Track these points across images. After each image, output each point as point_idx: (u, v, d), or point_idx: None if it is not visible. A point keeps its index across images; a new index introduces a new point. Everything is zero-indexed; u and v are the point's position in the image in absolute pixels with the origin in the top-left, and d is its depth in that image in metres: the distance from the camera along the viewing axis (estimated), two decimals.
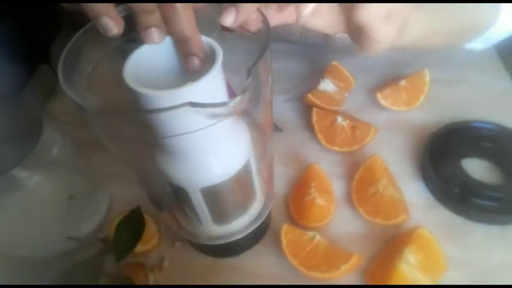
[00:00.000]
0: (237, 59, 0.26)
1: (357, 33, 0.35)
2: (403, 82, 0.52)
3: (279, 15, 0.34)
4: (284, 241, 0.39)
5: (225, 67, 0.26)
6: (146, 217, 0.40)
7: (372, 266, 0.39)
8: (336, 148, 0.49)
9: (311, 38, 0.59)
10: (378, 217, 0.41)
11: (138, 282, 0.38)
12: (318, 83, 0.54)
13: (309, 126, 0.52)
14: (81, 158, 0.45)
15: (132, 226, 0.38)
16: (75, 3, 0.55)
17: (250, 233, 0.37)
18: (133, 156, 0.33)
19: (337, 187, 0.46)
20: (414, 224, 0.40)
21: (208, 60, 0.25)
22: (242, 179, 0.33)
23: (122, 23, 0.26)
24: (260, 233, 0.42)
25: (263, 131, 0.34)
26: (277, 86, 0.56)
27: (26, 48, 0.57)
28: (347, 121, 0.49)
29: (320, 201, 0.42)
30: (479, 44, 0.50)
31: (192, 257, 0.42)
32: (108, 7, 0.25)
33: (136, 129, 0.26)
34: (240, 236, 0.37)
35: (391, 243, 0.40)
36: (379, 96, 0.52)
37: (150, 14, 0.25)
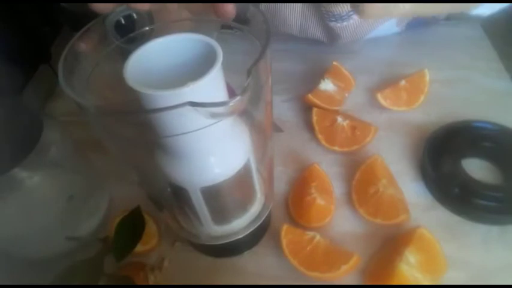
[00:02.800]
0: (237, 59, 0.26)
1: None
2: (403, 82, 0.52)
3: None
4: (284, 241, 0.39)
5: (225, 67, 0.26)
6: (146, 217, 0.40)
7: (371, 266, 0.39)
8: (336, 148, 0.49)
9: (310, 31, 0.59)
10: (378, 217, 0.41)
11: (138, 282, 0.38)
12: (318, 83, 0.54)
13: (309, 127, 0.52)
14: (81, 158, 0.45)
15: (132, 226, 0.38)
16: (75, 3, 0.55)
17: (250, 233, 0.37)
18: (134, 156, 0.33)
19: (337, 187, 0.46)
20: (414, 224, 0.40)
21: (208, 60, 0.25)
22: (242, 179, 0.33)
23: None
24: (260, 233, 0.42)
25: (263, 131, 0.34)
26: (277, 86, 0.56)
27: (26, 48, 0.57)
28: (347, 121, 0.49)
29: (320, 201, 0.42)
30: (486, 9, 0.49)
31: (192, 257, 0.42)
32: None
33: (136, 129, 0.26)
34: (240, 236, 0.37)
35: (391, 243, 0.40)
36: (379, 96, 0.52)
37: None
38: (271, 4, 0.56)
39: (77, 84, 0.26)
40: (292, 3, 0.56)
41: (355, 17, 0.53)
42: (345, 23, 0.54)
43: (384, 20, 0.57)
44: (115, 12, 0.30)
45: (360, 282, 0.38)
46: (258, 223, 0.37)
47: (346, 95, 0.55)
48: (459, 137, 0.46)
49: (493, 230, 0.40)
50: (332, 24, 0.54)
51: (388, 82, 0.54)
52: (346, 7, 0.51)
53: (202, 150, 0.29)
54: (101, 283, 0.36)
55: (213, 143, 0.29)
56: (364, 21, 0.55)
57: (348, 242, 0.41)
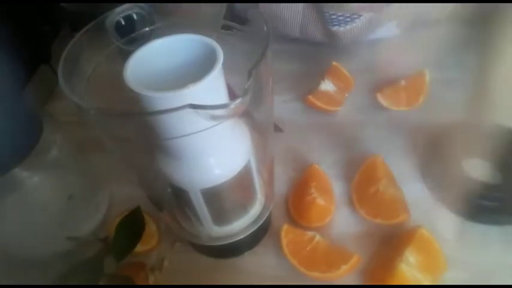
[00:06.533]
0: (238, 60, 0.26)
1: None
2: (403, 82, 0.52)
3: None
4: (284, 241, 0.39)
5: (226, 68, 0.26)
6: (146, 217, 0.40)
7: (372, 266, 0.39)
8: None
9: (310, 33, 0.59)
10: (378, 217, 0.41)
11: (138, 282, 0.38)
12: (318, 83, 0.54)
13: (309, 127, 0.52)
14: (81, 158, 0.45)
15: (132, 226, 0.38)
16: (75, 3, 0.55)
17: (251, 233, 0.37)
18: (134, 157, 0.33)
19: (337, 187, 0.46)
20: (414, 224, 0.40)
21: (209, 61, 0.25)
22: (243, 180, 0.33)
23: None
24: (260, 233, 0.42)
25: (264, 132, 0.34)
26: (277, 86, 0.56)
27: (26, 48, 0.57)
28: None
29: (320, 201, 0.42)
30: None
31: (192, 257, 0.42)
32: None
33: (136, 131, 0.26)
34: (240, 237, 0.37)
35: (391, 243, 0.40)
36: (379, 96, 0.52)
37: None
38: (272, 5, 0.56)
39: (77, 85, 0.26)
40: (293, 5, 0.56)
41: (358, 20, 0.53)
42: (348, 27, 0.54)
43: (386, 21, 0.57)
44: (115, 12, 0.30)
45: (360, 282, 0.38)
46: (259, 224, 0.37)
47: (346, 95, 0.55)
48: (459, 137, 0.46)
49: (493, 230, 0.40)
50: (335, 28, 0.54)
51: (388, 82, 0.54)
52: (351, 9, 0.51)
53: (202, 151, 0.29)
54: (101, 283, 0.36)
55: (214, 145, 0.29)
56: (366, 24, 0.54)
57: (348, 242, 0.41)
